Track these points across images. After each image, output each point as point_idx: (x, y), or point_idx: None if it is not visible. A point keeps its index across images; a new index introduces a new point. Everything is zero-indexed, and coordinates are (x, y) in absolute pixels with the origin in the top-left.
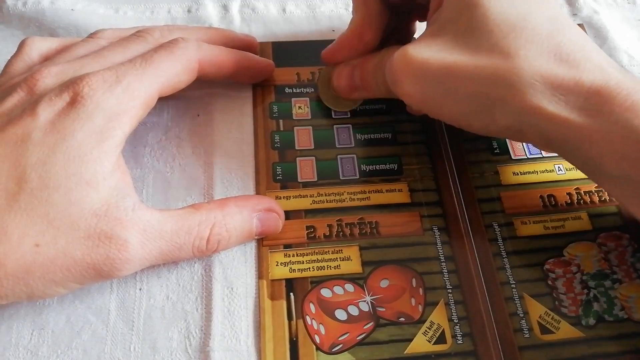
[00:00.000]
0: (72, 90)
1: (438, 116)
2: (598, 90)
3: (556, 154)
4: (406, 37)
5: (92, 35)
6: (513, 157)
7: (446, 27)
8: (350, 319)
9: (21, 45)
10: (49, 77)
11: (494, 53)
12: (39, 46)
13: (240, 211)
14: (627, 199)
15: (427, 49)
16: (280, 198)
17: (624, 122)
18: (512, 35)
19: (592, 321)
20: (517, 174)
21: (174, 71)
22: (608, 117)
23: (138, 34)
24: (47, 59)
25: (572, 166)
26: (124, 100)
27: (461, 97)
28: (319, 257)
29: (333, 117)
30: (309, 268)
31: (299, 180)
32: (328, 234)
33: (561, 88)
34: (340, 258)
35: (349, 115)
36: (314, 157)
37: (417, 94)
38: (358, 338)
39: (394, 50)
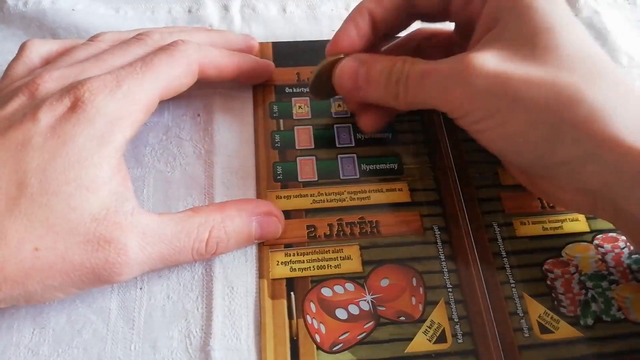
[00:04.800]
0: (73, 95)
1: (481, 134)
2: None
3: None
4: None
5: (92, 38)
6: None
7: (512, 46)
8: (351, 318)
9: (22, 48)
10: (50, 82)
11: (572, 72)
12: (40, 49)
13: (239, 214)
14: None
15: (496, 60)
16: (280, 197)
17: None
18: (589, 62)
19: (590, 321)
20: None
21: (174, 74)
22: None
23: (138, 36)
24: (48, 61)
25: None
26: (124, 105)
27: (523, 116)
28: (320, 256)
29: (333, 116)
30: (310, 267)
31: (300, 179)
32: (328, 233)
33: None
34: (340, 257)
35: (349, 115)
36: (314, 157)
37: (472, 107)
38: (358, 337)
39: (412, 61)
